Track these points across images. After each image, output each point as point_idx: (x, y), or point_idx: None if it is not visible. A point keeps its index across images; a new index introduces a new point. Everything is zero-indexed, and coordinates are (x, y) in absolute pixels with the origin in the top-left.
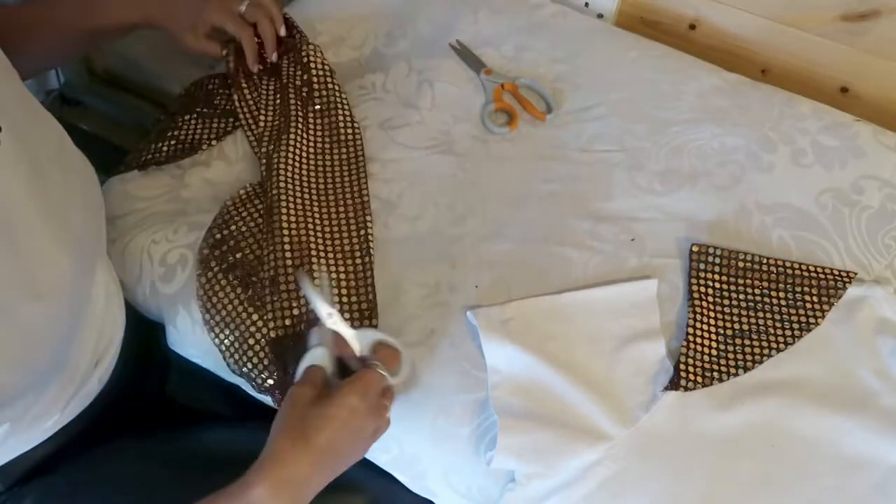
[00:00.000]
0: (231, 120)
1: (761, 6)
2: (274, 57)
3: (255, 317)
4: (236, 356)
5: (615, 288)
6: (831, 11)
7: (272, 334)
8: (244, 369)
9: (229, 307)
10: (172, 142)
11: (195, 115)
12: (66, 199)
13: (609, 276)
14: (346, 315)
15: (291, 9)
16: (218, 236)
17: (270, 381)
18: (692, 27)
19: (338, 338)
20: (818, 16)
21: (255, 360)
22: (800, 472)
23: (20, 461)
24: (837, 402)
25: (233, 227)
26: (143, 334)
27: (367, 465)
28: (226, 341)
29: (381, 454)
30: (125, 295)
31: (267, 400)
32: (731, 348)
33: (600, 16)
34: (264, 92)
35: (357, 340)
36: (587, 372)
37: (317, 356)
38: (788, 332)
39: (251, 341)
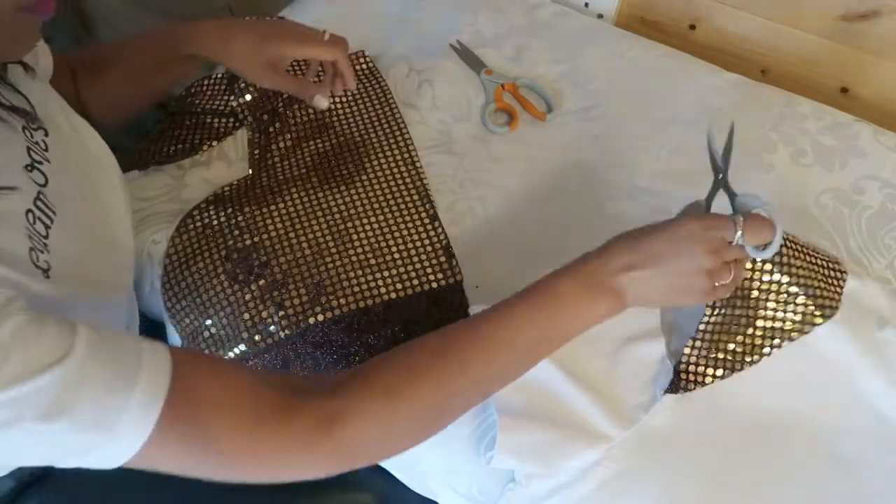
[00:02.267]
0: (231, 120)
1: (761, 6)
2: (354, 85)
3: (224, 302)
4: (192, 343)
5: None
6: (831, 11)
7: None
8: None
9: (195, 293)
10: (173, 142)
11: (195, 116)
12: (109, 201)
13: None
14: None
15: (292, 9)
16: (199, 224)
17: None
18: (692, 27)
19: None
20: (818, 16)
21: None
22: (799, 472)
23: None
24: (837, 403)
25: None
26: (144, 334)
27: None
28: (188, 327)
29: None
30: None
31: None
32: (729, 346)
33: (600, 16)
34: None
35: (738, 201)
36: (587, 372)
37: (693, 208)
38: (788, 327)
39: (213, 329)
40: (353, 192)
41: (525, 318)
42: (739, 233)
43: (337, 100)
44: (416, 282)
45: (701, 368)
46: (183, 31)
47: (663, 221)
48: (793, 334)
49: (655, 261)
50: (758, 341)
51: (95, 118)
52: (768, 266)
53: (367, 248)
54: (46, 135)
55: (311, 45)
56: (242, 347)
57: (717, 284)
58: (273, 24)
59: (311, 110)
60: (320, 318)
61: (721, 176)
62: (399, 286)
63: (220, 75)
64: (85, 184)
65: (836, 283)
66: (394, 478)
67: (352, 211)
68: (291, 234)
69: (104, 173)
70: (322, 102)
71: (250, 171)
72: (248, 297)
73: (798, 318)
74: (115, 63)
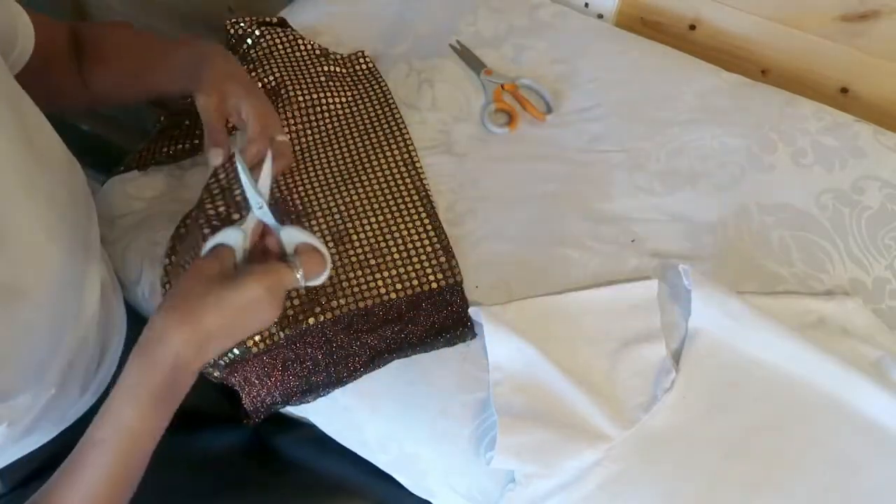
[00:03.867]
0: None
1: (761, 6)
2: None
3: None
4: None
5: (616, 289)
6: (831, 11)
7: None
8: None
9: None
10: (173, 142)
11: (196, 116)
12: (53, 195)
13: (609, 276)
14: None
15: (292, 9)
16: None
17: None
18: (692, 27)
19: (259, 231)
20: (818, 16)
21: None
22: (799, 472)
23: (22, 463)
24: (836, 403)
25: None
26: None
27: (368, 467)
28: None
29: (381, 455)
30: (125, 295)
31: None
32: None
33: (600, 16)
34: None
35: (284, 234)
36: (588, 372)
37: (230, 236)
38: None
39: None
40: (352, 192)
41: (101, 468)
42: (301, 277)
43: (337, 100)
44: (416, 282)
45: None
46: (193, 51)
47: (218, 287)
48: None
49: (223, 333)
50: None
51: (99, 98)
52: None
53: (366, 249)
54: None
55: (249, 107)
56: (242, 348)
57: None
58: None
59: (310, 111)
60: (320, 318)
61: (262, 206)
62: (399, 286)
63: None
64: (17, 180)
65: None
66: (392, 481)
67: (352, 211)
68: None
69: (51, 172)
70: (216, 157)
71: None
72: None
73: None
74: (122, 57)
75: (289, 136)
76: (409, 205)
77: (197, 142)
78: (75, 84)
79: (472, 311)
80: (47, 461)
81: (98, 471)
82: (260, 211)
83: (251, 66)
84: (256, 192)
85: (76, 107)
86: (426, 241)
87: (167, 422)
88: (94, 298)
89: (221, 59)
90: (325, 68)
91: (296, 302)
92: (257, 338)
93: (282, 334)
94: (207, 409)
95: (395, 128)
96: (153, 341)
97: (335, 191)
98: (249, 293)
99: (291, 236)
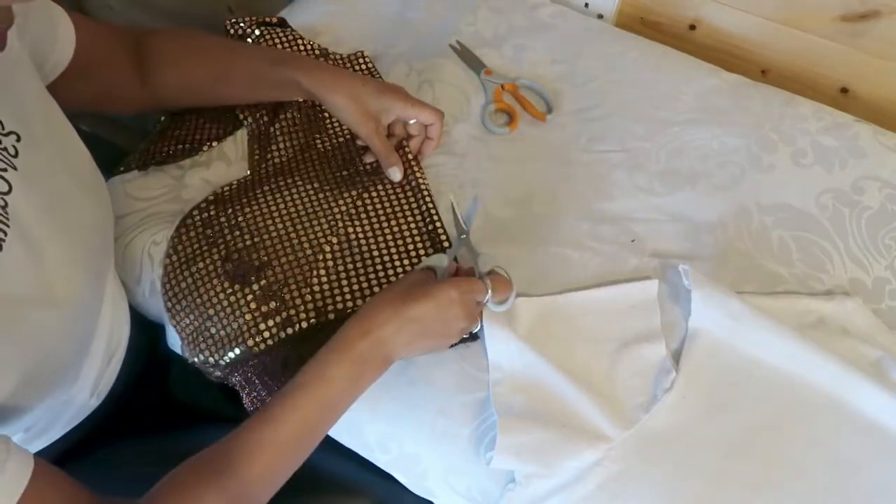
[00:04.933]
0: (231, 121)
1: (761, 6)
2: (435, 148)
3: (224, 303)
4: (192, 344)
5: (616, 289)
6: (831, 11)
7: (243, 327)
8: (198, 358)
9: (195, 294)
10: (173, 142)
11: (196, 116)
12: (82, 216)
13: (609, 276)
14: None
15: (292, 9)
16: (199, 224)
17: (227, 359)
18: (692, 27)
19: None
20: (818, 16)
21: (213, 347)
22: (799, 472)
23: None
24: (836, 403)
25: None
26: (144, 335)
27: (368, 467)
28: (188, 328)
29: (381, 455)
30: (126, 296)
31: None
32: None
33: (600, 16)
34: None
35: (479, 261)
36: (588, 372)
37: (436, 260)
38: None
39: (213, 329)
40: (353, 192)
41: (295, 409)
42: (489, 294)
43: None
44: None
45: None
46: (294, 57)
47: (421, 286)
48: None
49: (420, 324)
50: None
51: (161, 103)
52: None
53: (367, 249)
54: (19, 140)
55: (417, 107)
56: (242, 348)
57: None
58: (385, 83)
59: (310, 112)
60: (322, 318)
61: (465, 235)
62: None
63: None
64: (53, 198)
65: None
66: (391, 480)
67: (352, 211)
68: (292, 235)
69: (77, 185)
70: (396, 174)
71: (249, 172)
72: (248, 297)
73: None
74: (203, 60)
75: (290, 140)
76: (410, 205)
77: (197, 142)
78: (128, 88)
79: None
80: (56, 460)
81: (293, 412)
82: (462, 238)
83: None
84: (463, 222)
85: (127, 111)
86: (427, 242)
87: (358, 392)
88: (110, 305)
89: (336, 79)
90: None
91: (297, 302)
92: (258, 338)
93: (282, 335)
94: (207, 409)
95: None
96: (365, 316)
97: (335, 191)
98: (446, 292)
99: (486, 262)
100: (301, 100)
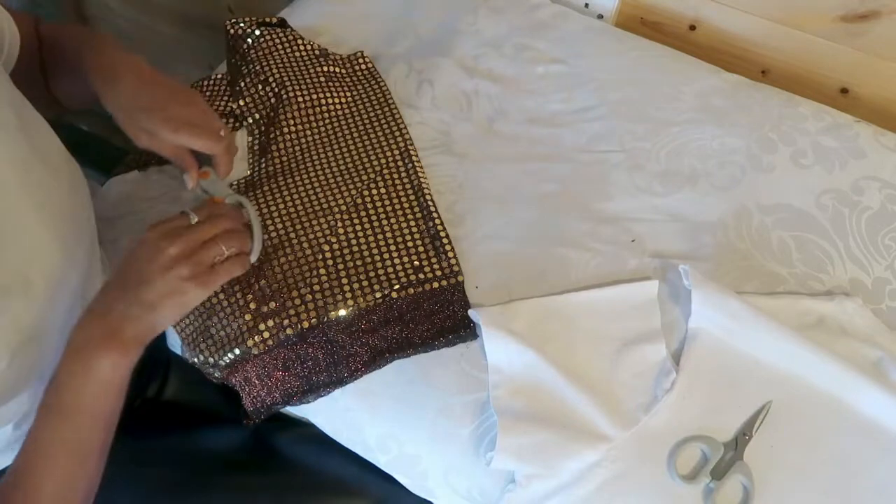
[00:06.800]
0: (231, 121)
1: (761, 7)
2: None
3: (224, 303)
4: (192, 344)
5: (616, 289)
6: (831, 12)
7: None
8: (198, 358)
9: None
10: None
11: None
12: (55, 194)
13: (609, 276)
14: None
15: (292, 9)
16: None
17: (225, 360)
18: (692, 28)
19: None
20: (818, 16)
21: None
22: (799, 472)
23: None
24: (836, 403)
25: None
26: None
27: (368, 467)
28: (187, 329)
29: (381, 455)
30: None
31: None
32: None
33: (600, 16)
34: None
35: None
36: (588, 373)
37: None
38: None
39: (212, 330)
40: (353, 192)
41: (49, 429)
42: (192, 214)
43: (337, 101)
44: (416, 282)
45: None
46: (88, 52)
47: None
48: None
49: (121, 276)
50: None
51: (65, 102)
52: None
53: (367, 249)
54: None
55: (186, 134)
56: (242, 348)
57: (213, 263)
58: (169, 90)
59: (310, 111)
60: (322, 318)
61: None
62: (399, 286)
63: (219, 76)
64: (24, 185)
65: None
66: (391, 481)
67: (352, 211)
68: (292, 235)
69: (49, 173)
70: (188, 182)
71: (249, 172)
72: (248, 297)
73: None
74: (66, 66)
75: (289, 140)
76: (410, 205)
77: None
78: (41, 90)
79: (470, 312)
80: None
81: (34, 441)
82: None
83: (251, 66)
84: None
85: (69, 107)
86: (427, 242)
87: (100, 386)
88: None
89: (130, 84)
90: (325, 69)
91: (297, 302)
92: (258, 338)
93: (282, 335)
94: (207, 409)
95: (394, 128)
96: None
97: (335, 191)
98: (139, 238)
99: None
100: (300, 99)
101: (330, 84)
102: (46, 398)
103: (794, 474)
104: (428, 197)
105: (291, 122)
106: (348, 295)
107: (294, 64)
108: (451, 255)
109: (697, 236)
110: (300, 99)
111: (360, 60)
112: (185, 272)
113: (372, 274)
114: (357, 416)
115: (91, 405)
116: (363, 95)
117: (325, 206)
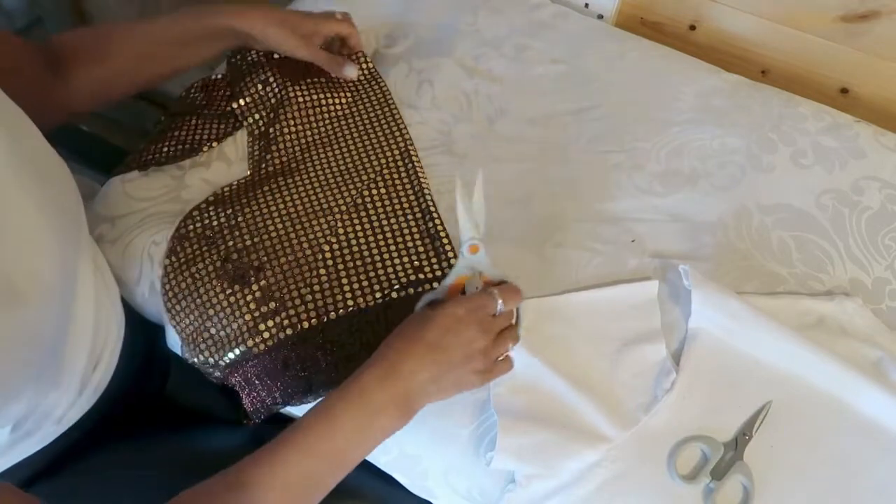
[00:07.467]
0: (231, 121)
1: (761, 7)
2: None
3: (224, 304)
4: (192, 344)
5: (616, 289)
6: (831, 12)
7: (242, 327)
8: (198, 358)
9: (195, 294)
10: (173, 142)
11: (196, 116)
12: (42, 193)
13: (609, 276)
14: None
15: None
16: (198, 225)
17: (227, 360)
18: (692, 28)
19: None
20: (818, 16)
21: (213, 348)
22: (799, 472)
23: (23, 466)
24: (836, 403)
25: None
26: (144, 335)
27: (367, 468)
28: (188, 329)
29: (381, 455)
30: (125, 296)
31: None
32: None
33: (600, 16)
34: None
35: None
36: (588, 373)
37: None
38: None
39: (213, 330)
40: (353, 192)
41: (302, 453)
42: (500, 302)
43: (337, 101)
44: (416, 282)
45: None
46: (212, 7)
47: (434, 311)
48: None
49: (441, 351)
50: None
51: (83, 104)
52: None
53: (367, 249)
54: None
55: (334, 22)
56: (242, 348)
57: (496, 360)
58: (297, 10)
59: (310, 111)
60: (322, 318)
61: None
62: (399, 286)
63: (219, 76)
64: (9, 188)
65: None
66: (391, 482)
67: (352, 212)
68: (291, 235)
69: (37, 174)
70: (352, 71)
71: (249, 172)
72: (248, 297)
73: None
74: (124, 45)
75: (289, 140)
76: (410, 205)
77: (197, 142)
78: (37, 98)
79: None
80: (49, 464)
81: (301, 455)
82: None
83: (251, 66)
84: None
85: (45, 123)
86: (427, 242)
87: (369, 443)
88: (87, 299)
89: (265, 13)
90: None
91: (297, 302)
92: (258, 338)
93: (282, 335)
94: (207, 409)
95: (394, 128)
96: (381, 357)
97: (335, 191)
98: (451, 311)
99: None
100: (301, 99)
101: (330, 84)
102: (315, 425)
103: (794, 474)
104: (428, 197)
105: (292, 122)
106: (348, 295)
107: (294, 64)
108: (451, 255)
109: (697, 236)
110: (300, 99)
111: (361, 60)
112: (480, 366)
113: (372, 274)
114: None
115: (359, 457)
116: (363, 95)
117: (325, 206)
